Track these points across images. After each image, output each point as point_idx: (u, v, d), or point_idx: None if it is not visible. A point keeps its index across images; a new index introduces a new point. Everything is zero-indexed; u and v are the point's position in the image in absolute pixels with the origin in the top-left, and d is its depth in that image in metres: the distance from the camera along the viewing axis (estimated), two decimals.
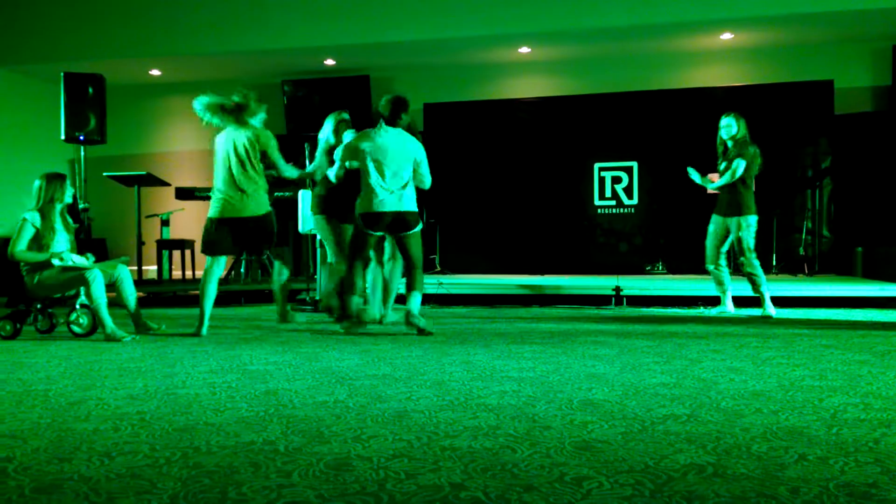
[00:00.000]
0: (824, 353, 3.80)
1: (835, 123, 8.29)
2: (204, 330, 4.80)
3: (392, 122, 4.71)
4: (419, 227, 4.74)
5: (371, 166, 4.65)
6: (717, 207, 5.77)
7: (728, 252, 5.85)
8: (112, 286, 4.80)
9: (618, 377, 3.13)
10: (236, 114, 4.81)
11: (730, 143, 5.65)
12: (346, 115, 5.34)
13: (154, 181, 7.89)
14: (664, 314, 5.98)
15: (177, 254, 8.85)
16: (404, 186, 4.66)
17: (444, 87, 9.45)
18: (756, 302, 5.80)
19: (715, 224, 5.78)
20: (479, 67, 9.46)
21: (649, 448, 2.06)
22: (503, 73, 9.47)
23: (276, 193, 7.64)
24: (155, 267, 8.68)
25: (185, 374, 3.29)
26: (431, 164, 4.91)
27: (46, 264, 4.64)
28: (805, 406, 2.57)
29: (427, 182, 4.82)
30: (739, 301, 6.10)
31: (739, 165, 5.52)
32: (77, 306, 4.74)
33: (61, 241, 4.75)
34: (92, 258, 4.81)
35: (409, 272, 4.78)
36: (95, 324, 4.69)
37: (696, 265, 7.50)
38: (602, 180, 8.89)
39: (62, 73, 7.54)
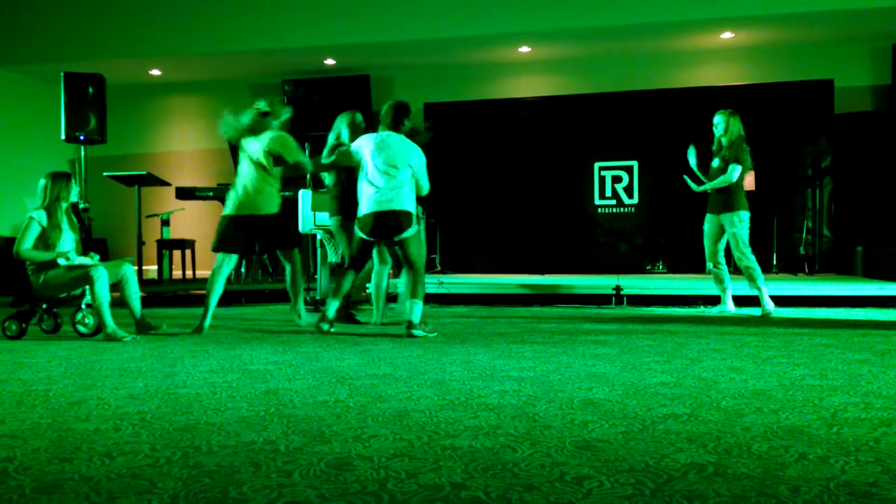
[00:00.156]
0: (824, 352, 3.80)
1: (835, 123, 8.30)
2: (206, 325, 4.83)
3: (395, 127, 4.71)
4: (413, 229, 4.66)
5: (366, 170, 4.65)
6: (710, 206, 5.79)
7: (726, 250, 5.85)
8: (116, 286, 4.80)
9: (618, 376, 3.13)
10: (260, 122, 4.86)
11: (724, 141, 5.65)
12: (359, 116, 5.25)
13: (154, 181, 7.89)
14: (665, 313, 5.98)
15: (177, 254, 8.85)
16: (399, 188, 4.62)
17: (444, 86, 9.46)
18: (757, 301, 5.80)
19: (709, 223, 5.79)
20: (479, 67, 9.46)
21: (650, 447, 2.06)
22: (503, 72, 9.48)
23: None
24: (155, 267, 8.69)
25: (186, 374, 3.29)
26: (431, 163, 4.89)
27: (52, 264, 4.63)
28: (805, 405, 2.56)
29: (425, 189, 4.79)
30: (740, 300, 6.10)
31: (735, 171, 5.52)
32: (83, 306, 4.73)
33: (67, 241, 4.74)
34: (97, 258, 4.79)
35: (409, 277, 4.71)
36: None
37: (696, 264, 7.51)
38: (602, 179, 8.89)
39: (62, 73, 7.54)
